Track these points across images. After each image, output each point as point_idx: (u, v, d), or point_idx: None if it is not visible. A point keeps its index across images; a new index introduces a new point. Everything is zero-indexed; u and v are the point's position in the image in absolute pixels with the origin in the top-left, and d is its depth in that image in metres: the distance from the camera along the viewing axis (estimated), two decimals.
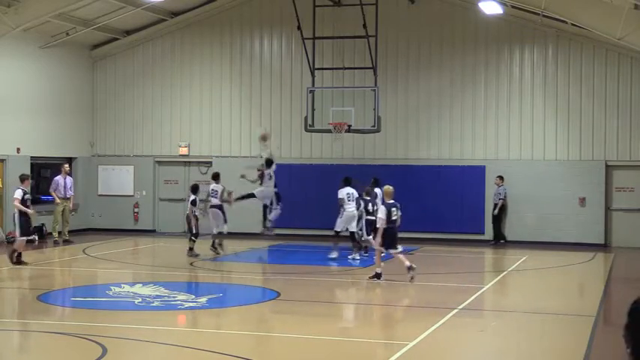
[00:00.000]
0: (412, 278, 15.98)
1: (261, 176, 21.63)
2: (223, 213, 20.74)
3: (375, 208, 20.74)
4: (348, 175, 21.01)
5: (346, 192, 19.99)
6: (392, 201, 16.58)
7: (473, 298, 14.90)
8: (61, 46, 25.71)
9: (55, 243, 23.19)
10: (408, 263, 16.15)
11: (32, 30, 24.21)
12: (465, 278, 18.14)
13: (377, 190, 20.34)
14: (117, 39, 27.23)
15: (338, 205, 20.07)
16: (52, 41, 25.34)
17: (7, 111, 23.99)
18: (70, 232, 23.67)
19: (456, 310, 13.37)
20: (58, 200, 23.57)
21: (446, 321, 12.53)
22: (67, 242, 23.25)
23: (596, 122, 24.12)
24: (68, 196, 23.82)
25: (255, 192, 21.74)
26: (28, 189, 18.44)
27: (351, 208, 19.72)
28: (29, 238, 18.36)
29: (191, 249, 20.11)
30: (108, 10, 24.68)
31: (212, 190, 20.86)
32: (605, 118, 24.05)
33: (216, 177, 21.18)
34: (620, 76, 23.95)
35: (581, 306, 14.83)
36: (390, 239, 16.27)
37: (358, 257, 19.69)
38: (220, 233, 20.74)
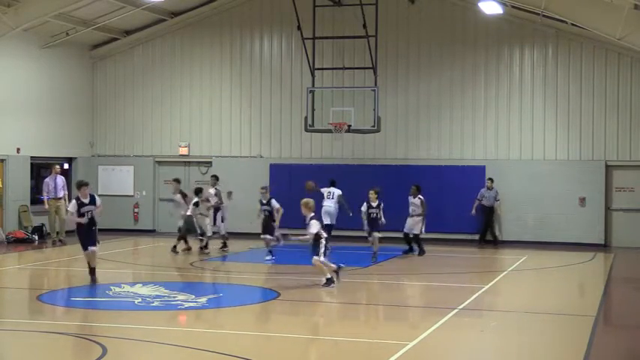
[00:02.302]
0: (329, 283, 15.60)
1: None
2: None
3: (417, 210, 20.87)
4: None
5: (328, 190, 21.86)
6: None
7: (473, 298, 14.89)
8: (61, 46, 25.72)
9: (54, 243, 23.17)
10: (328, 276, 15.70)
11: (32, 30, 24.22)
12: (465, 278, 18.14)
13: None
14: (117, 39, 27.23)
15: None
16: (52, 41, 25.34)
17: (7, 111, 24.00)
18: (67, 232, 23.60)
19: (456, 310, 13.37)
20: (46, 205, 23.29)
21: (446, 321, 12.53)
22: (60, 242, 23.15)
23: (596, 122, 24.12)
24: (60, 196, 23.52)
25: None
26: (86, 199, 16.35)
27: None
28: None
29: (205, 247, 21.07)
30: (108, 10, 24.69)
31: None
32: (605, 118, 24.05)
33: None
34: (620, 76, 23.95)
35: (581, 306, 14.82)
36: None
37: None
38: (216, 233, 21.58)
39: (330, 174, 23.60)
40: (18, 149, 24.40)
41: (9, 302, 14.87)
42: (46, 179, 23.64)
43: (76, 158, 27.00)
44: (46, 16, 23.18)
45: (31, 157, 24.83)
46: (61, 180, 23.72)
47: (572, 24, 22.52)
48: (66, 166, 26.96)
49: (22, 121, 24.61)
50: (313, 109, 23.05)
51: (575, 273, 19.31)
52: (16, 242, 23.30)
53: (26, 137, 24.71)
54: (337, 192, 22.30)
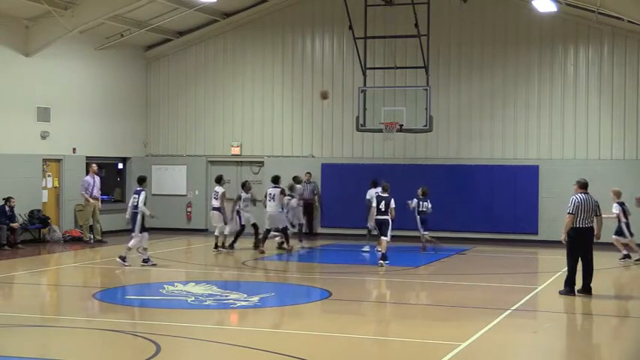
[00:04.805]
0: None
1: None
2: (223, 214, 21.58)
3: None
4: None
5: (269, 191, 21.43)
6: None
7: (526, 298, 14.75)
8: (116, 47, 26.06)
9: (91, 242, 23.33)
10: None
11: (87, 32, 24.56)
12: (519, 279, 17.95)
13: None
14: (170, 40, 27.52)
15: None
16: (106, 43, 25.70)
17: (63, 112, 24.39)
18: (123, 231, 23.88)
19: (509, 311, 13.26)
20: (90, 200, 23.64)
21: (499, 322, 12.42)
22: (99, 242, 23.40)
23: None
24: (97, 195, 23.70)
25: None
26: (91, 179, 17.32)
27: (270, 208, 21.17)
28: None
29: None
30: (161, 12, 24.95)
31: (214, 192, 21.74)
32: None
33: (219, 180, 21.94)
34: None
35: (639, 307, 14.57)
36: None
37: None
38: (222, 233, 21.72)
39: (382, 173, 23.52)
40: (74, 149, 24.79)
41: (65, 300, 15.15)
42: (87, 177, 23.90)
43: (130, 158, 27.35)
44: (101, 18, 23.51)
45: (87, 157, 25.20)
46: (98, 180, 23.97)
47: (629, 21, 22.15)
48: (120, 165, 27.36)
49: (78, 122, 25.00)
50: (365, 109, 23.01)
51: (632, 274, 18.98)
52: (72, 241, 23.67)
53: (82, 138, 25.10)
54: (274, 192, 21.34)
